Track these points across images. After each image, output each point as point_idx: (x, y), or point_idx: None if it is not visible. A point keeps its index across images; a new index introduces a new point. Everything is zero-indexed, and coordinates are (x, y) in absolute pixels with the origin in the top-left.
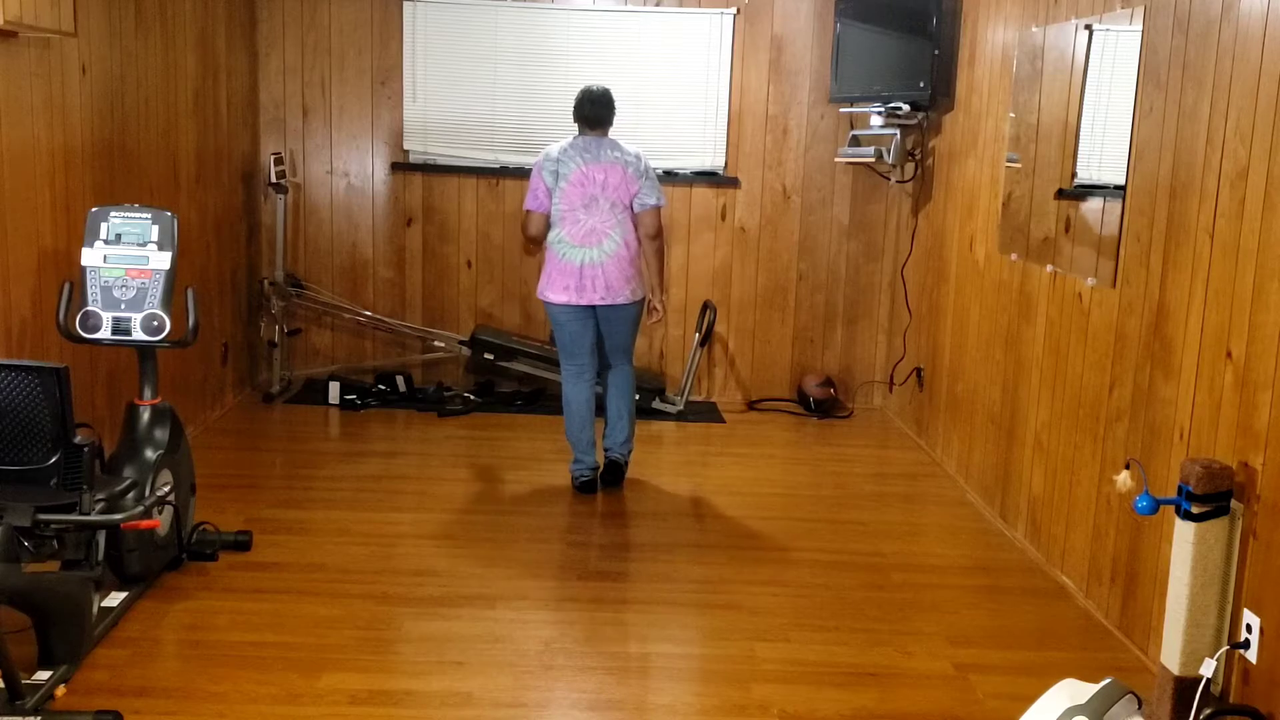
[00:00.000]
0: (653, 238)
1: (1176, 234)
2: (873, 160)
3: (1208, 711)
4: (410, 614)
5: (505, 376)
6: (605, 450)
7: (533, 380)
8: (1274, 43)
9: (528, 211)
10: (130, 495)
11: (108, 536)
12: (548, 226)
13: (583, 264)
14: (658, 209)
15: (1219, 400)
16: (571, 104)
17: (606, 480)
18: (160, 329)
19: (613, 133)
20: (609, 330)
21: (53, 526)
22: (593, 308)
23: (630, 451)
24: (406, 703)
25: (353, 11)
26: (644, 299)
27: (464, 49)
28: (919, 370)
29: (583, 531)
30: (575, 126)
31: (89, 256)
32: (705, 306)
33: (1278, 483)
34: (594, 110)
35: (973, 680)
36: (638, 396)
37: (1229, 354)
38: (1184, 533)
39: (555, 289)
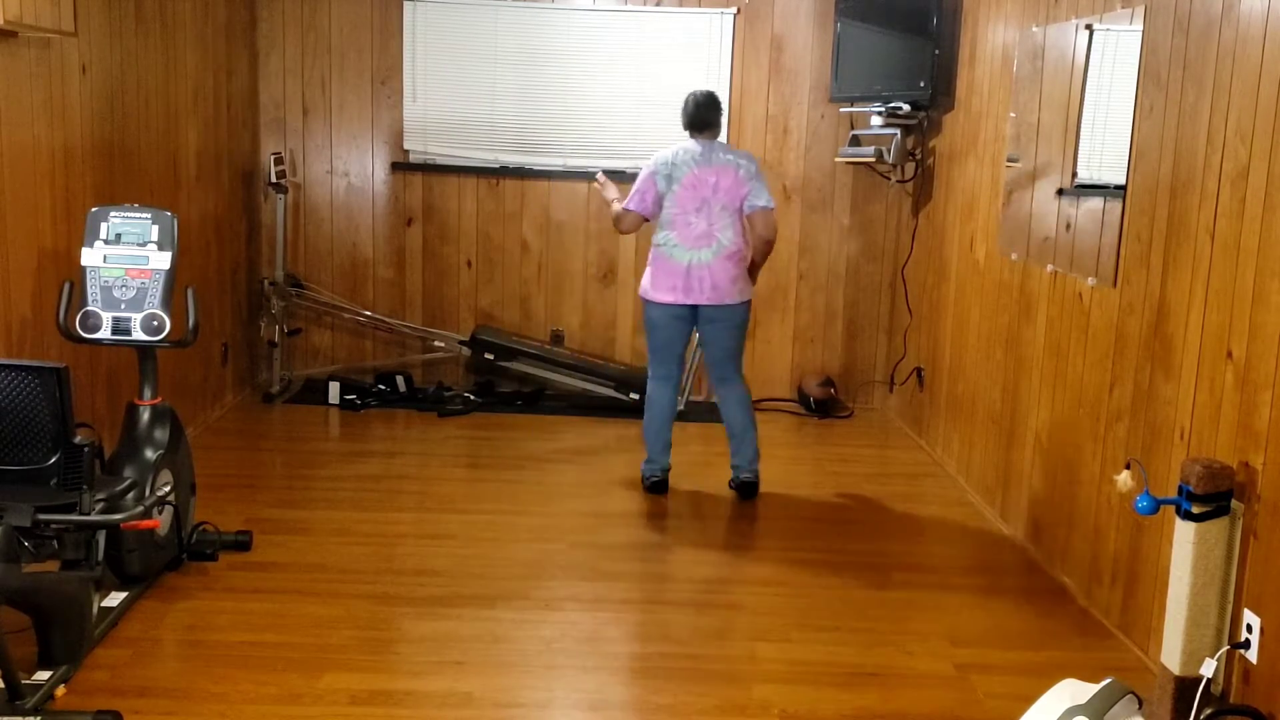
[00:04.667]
0: (767, 240)
1: (1177, 234)
2: (873, 160)
3: (1208, 711)
4: (410, 614)
5: (505, 376)
6: (735, 469)
7: (533, 380)
8: (1274, 43)
9: (626, 209)
10: (130, 495)
11: (108, 536)
12: (638, 226)
13: (690, 264)
14: (769, 210)
15: (1219, 400)
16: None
17: (742, 495)
18: (160, 329)
19: (613, 132)
20: (713, 335)
21: (53, 526)
22: (695, 310)
23: (758, 467)
24: (406, 703)
25: (353, 11)
26: (750, 301)
27: (464, 49)
28: (919, 370)
29: (583, 531)
30: (576, 128)
31: (89, 256)
32: None
33: (1278, 483)
34: (703, 114)
35: (973, 680)
36: (638, 396)
37: (1229, 354)
38: (1184, 533)
39: (661, 289)
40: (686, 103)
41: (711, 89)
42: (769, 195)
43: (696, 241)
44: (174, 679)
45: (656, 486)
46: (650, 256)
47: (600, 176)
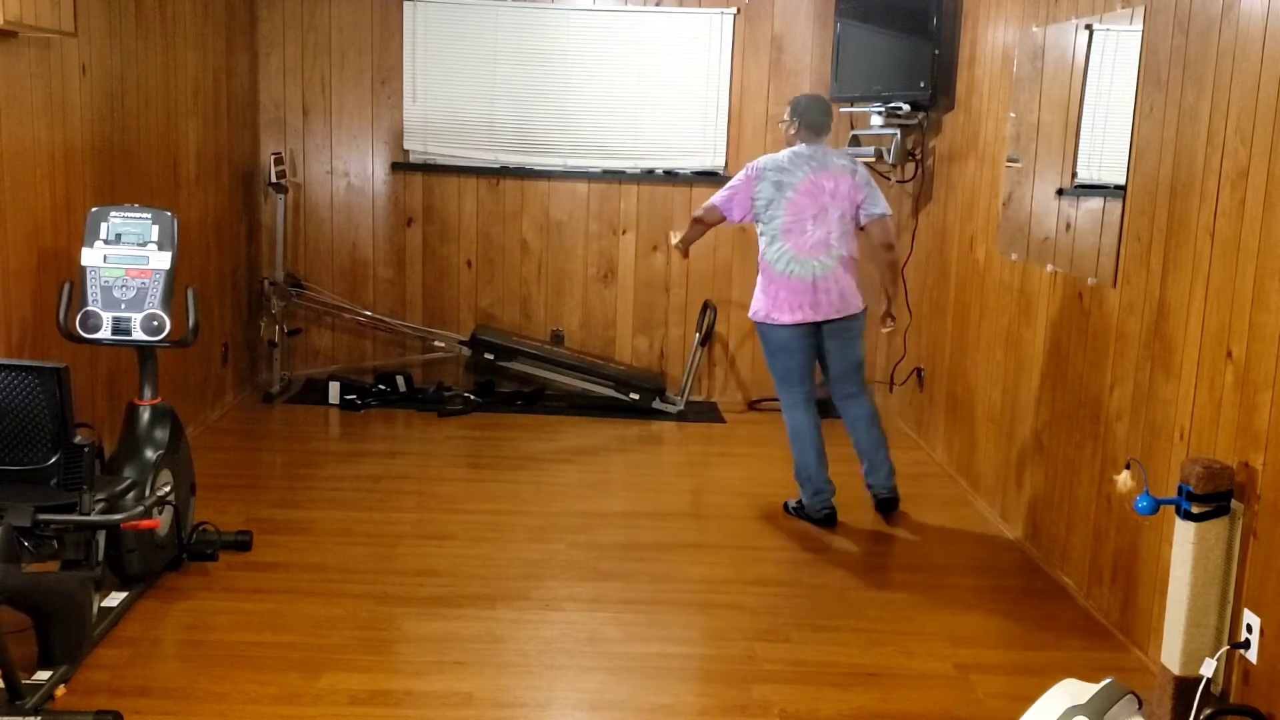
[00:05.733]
0: (889, 247)
1: (1177, 234)
2: (873, 160)
3: (1208, 711)
4: (410, 614)
5: (505, 376)
6: (870, 487)
7: (533, 380)
8: (1274, 43)
9: (713, 207)
10: (130, 495)
11: (108, 536)
12: (712, 226)
13: (815, 277)
14: (886, 217)
15: (1219, 400)
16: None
17: (884, 511)
18: (160, 329)
19: (613, 132)
20: (840, 347)
21: (53, 526)
22: (819, 325)
23: (894, 483)
24: (406, 703)
25: (353, 11)
26: (867, 308)
27: (464, 49)
28: (919, 370)
29: (583, 531)
30: (576, 128)
31: (89, 256)
32: (705, 306)
33: (1278, 483)
34: (821, 117)
35: (973, 680)
36: (638, 396)
37: (1229, 354)
38: (1184, 533)
39: (785, 309)
40: (803, 104)
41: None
42: (885, 202)
43: (813, 251)
44: (174, 679)
45: (829, 519)
46: (762, 275)
47: (673, 238)
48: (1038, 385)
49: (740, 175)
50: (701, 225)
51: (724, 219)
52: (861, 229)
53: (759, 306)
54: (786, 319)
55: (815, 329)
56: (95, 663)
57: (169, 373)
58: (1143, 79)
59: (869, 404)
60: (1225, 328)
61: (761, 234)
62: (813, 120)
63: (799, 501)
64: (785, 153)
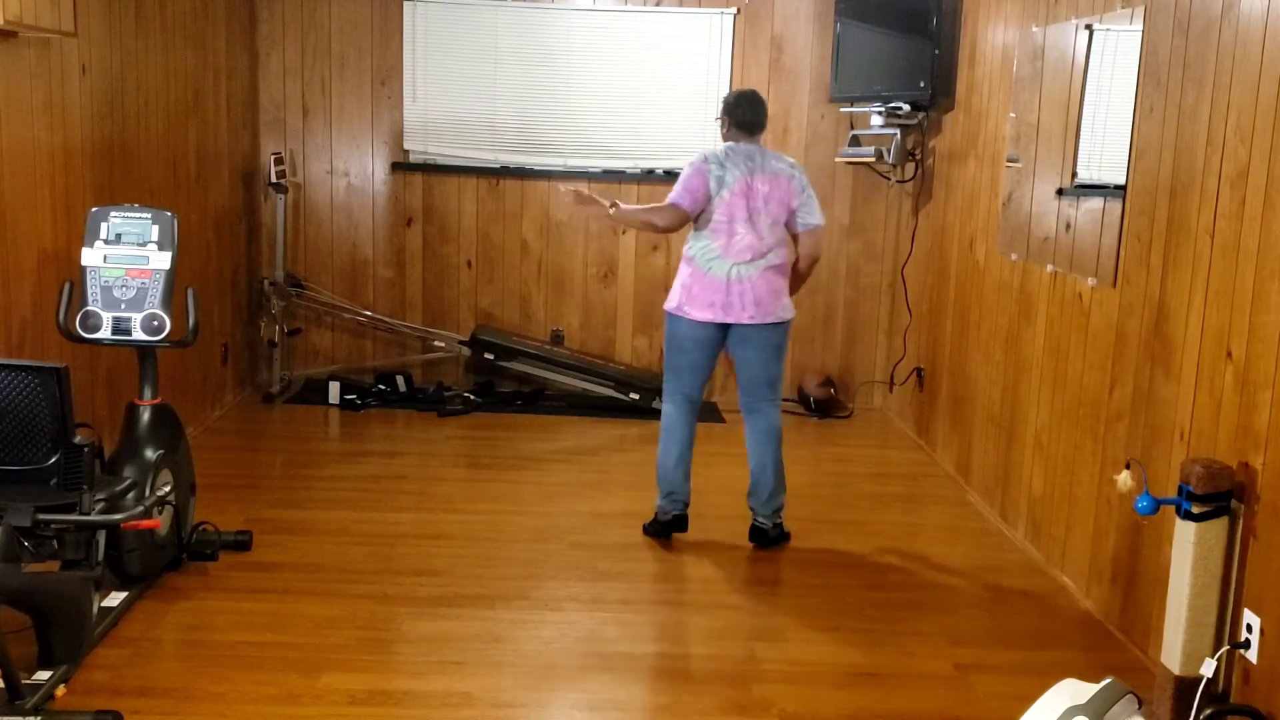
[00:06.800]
0: (815, 259)
1: (1177, 234)
2: (873, 160)
3: (1208, 711)
4: (410, 614)
5: (505, 376)
6: (751, 510)
7: (533, 380)
8: (1274, 43)
9: (675, 205)
10: (130, 495)
11: (108, 536)
12: (683, 224)
13: (731, 278)
14: (821, 228)
15: (1219, 400)
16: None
17: (756, 540)
18: (160, 329)
19: (613, 132)
20: (748, 357)
21: (53, 526)
22: (727, 329)
23: (781, 516)
24: (406, 703)
25: (353, 11)
26: (791, 321)
27: (464, 49)
28: (919, 370)
29: (582, 531)
30: (576, 128)
31: (89, 256)
32: None
33: (1278, 483)
34: (754, 113)
35: (973, 680)
36: (637, 396)
37: (1229, 354)
38: (1184, 533)
39: (698, 305)
40: (736, 100)
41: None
42: (820, 211)
43: (740, 254)
44: (174, 679)
45: (677, 523)
46: (684, 268)
47: (565, 189)
48: (1038, 385)
49: (689, 170)
50: (652, 228)
51: (688, 219)
52: (794, 237)
53: (673, 298)
54: (697, 315)
55: (722, 332)
56: (95, 663)
57: (169, 373)
58: (1143, 79)
59: (773, 421)
60: (1225, 328)
61: (692, 229)
62: (743, 118)
63: (653, 517)
64: (723, 147)
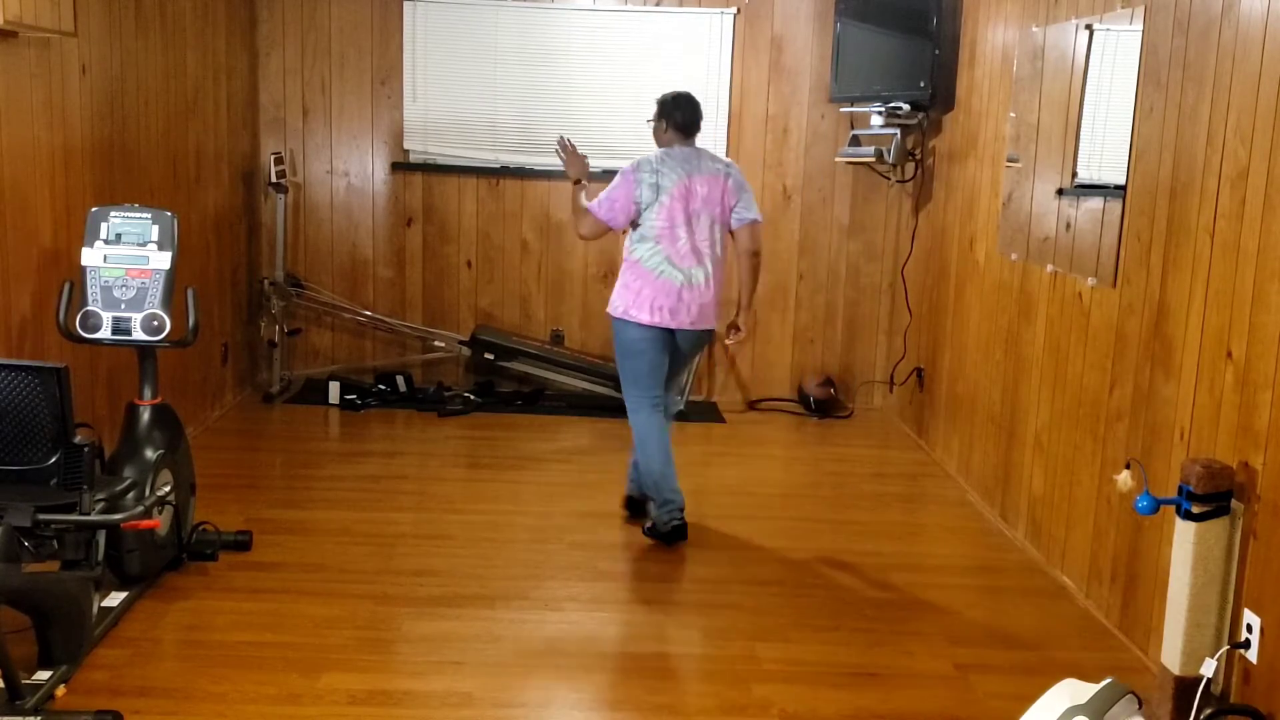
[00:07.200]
0: (755, 254)
1: (1177, 234)
2: (873, 160)
3: (1208, 711)
4: (410, 614)
5: (505, 376)
6: (650, 504)
7: (533, 380)
8: (1274, 43)
9: (593, 215)
10: (130, 495)
11: (108, 536)
12: (601, 235)
13: (683, 285)
14: (758, 223)
15: (1219, 400)
16: (569, 108)
17: (656, 536)
18: (160, 329)
19: (614, 132)
20: (681, 360)
21: (53, 526)
22: (673, 332)
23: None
24: (406, 703)
25: (353, 11)
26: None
27: (464, 49)
28: (919, 370)
29: (582, 531)
30: (577, 128)
31: (89, 256)
32: None
33: (1278, 483)
34: (691, 115)
35: (973, 680)
36: None
37: (1229, 354)
38: (1184, 533)
39: (646, 310)
40: (671, 102)
41: (687, 90)
42: (757, 207)
43: (685, 259)
44: (174, 679)
45: (678, 531)
46: (628, 271)
47: (565, 141)
48: (1038, 385)
49: (617, 179)
50: (593, 232)
51: (609, 229)
52: (731, 233)
53: (618, 302)
54: (645, 319)
55: (669, 335)
56: (95, 663)
57: (169, 373)
58: (1143, 79)
59: (668, 415)
60: (1225, 328)
61: (633, 233)
62: (680, 120)
63: (651, 523)
64: (658, 153)
